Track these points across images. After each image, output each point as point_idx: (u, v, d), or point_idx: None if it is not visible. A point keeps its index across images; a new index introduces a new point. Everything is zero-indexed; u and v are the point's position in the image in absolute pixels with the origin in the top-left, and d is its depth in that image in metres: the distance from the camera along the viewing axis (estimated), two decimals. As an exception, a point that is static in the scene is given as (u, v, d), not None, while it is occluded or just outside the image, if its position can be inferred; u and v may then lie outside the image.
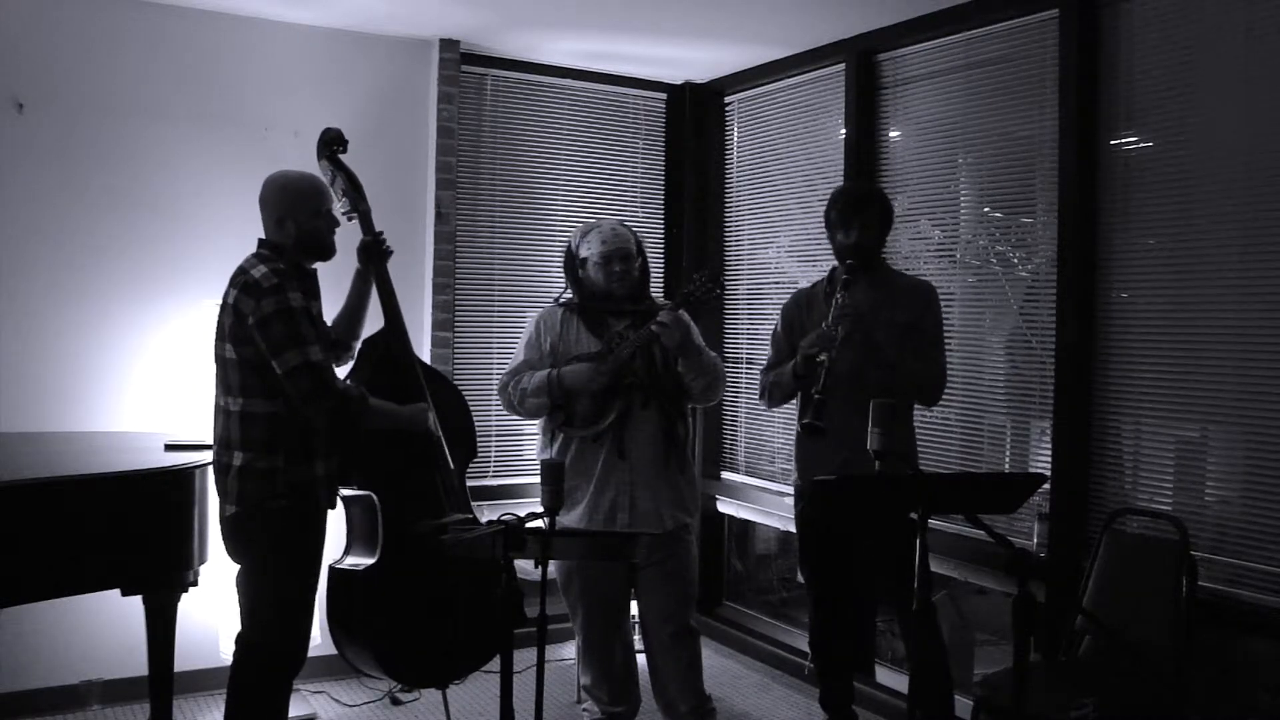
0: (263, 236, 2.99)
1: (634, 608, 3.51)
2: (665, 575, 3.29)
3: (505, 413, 4.66)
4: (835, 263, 3.44)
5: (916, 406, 3.47)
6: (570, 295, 3.39)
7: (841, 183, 4.31)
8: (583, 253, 3.31)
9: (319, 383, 2.81)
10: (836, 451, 3.19)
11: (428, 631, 3.27)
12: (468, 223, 4.71)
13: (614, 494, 3.23)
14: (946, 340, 3.43)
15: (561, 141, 4.93)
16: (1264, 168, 3.01)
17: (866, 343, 3.23)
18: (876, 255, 3.41)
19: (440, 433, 3.32)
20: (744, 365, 4.98)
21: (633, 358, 3.20)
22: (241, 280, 2.84)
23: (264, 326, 2.78)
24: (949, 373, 3.45)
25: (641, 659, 3.51)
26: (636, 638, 3.76)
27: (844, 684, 3.58)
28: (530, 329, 3.42)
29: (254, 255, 2.93)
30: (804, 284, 4.68)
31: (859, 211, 3.33)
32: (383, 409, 3.04)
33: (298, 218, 2.94)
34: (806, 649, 4.48)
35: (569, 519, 3.24)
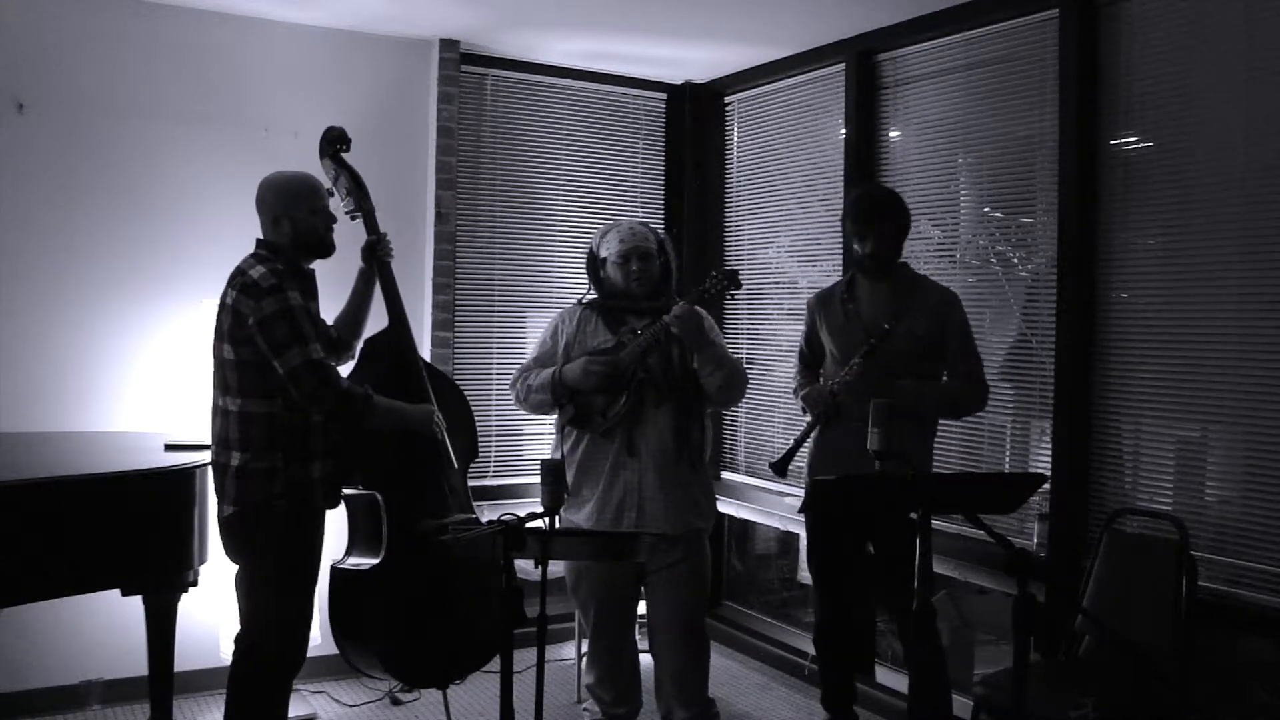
0: (260, 237, 2.99)
1: (641, 608, 3.50)
2: (676, 579, 3.26)
3: (505, 413, 4.71)
4: (841, 263, 3.46)
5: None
6: (593, 295, 3.38)
7: (841, 184, 4.33)
8: (603, 252, 3.30)
9: (322, 380, 2.81)
10: (849, 456, 3.18)
11: (430, 631, 3.27)
12: (468, 223, 4.70)
13: (622, 493, 3.21)
14: None
15: (561, 141, 4.93)
16: (1264, 168, 3.01)
17: (886, 356, 3.24)
18: (895, 262, 3.38)
19: (445, 434, 3.32)
20: (744, 365, 4.97)
21: (644, 355, 3.17)
22: (240, 281, 2.84)
23: (265, 326, 2.78)
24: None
25: (646, 659, 3.50)
26: (641, 639, 3.76)
27: (847, 684, 3.58)
28: (547, 327, 3.43)
29: (251, 256, 2.93)
30: (804, 284, 4.71)
31: (873, 222, 3.31)
32: (388, 407, 3.04)
33: (294, 216, 2.94)
34: (806, 649, 4.48)
35: (578, 517, 3.23)
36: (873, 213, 3.33)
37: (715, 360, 3.20)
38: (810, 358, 3.61)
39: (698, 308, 3.18)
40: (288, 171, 3.04)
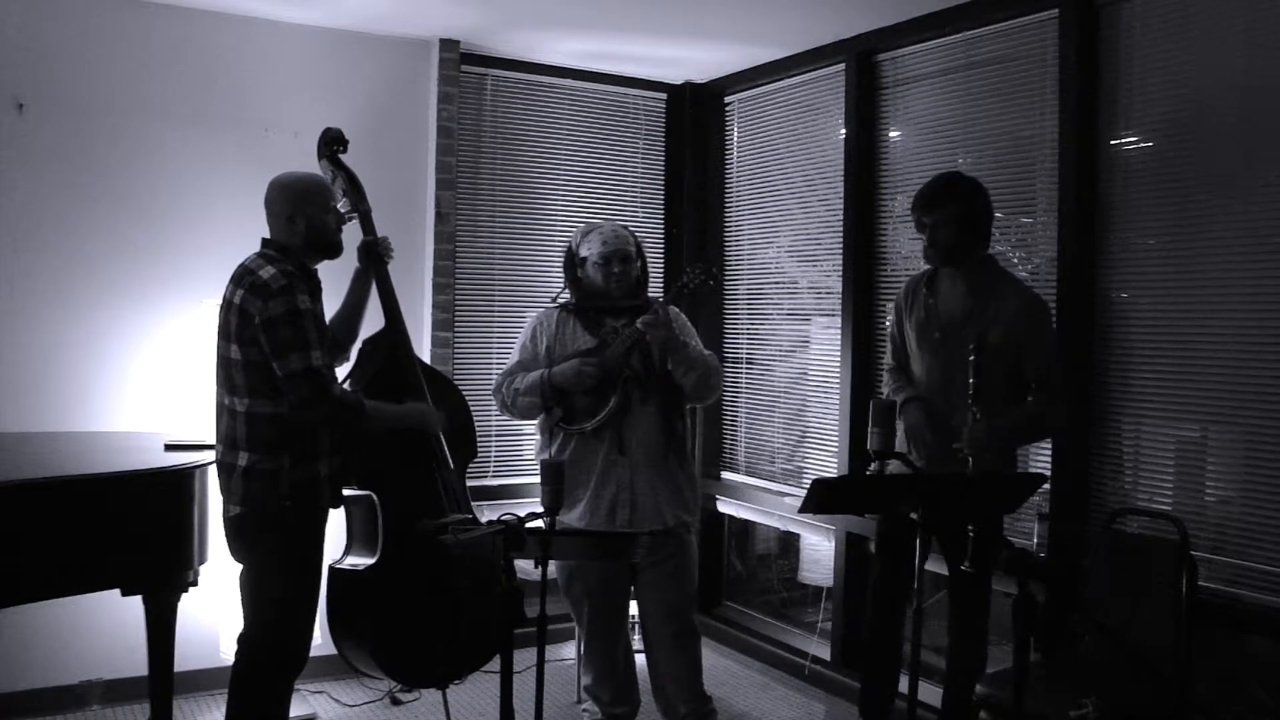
0: (265, 237, 2.98)
1: (633, 608, 3.50)
2: (665, 575, 3.29)
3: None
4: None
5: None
6: (568, 296, 3.40)
7: (840, 184, 4.33)
8: (582, 253, 3.33)
9: (318, 388, 2.80)
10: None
11: (428, 631, 3.27)
12: (468, 223, 4.71)
13: (614, 490, 3.23)
14: None
15: (561, 141, 4.93)
16: (1264, 168, 3.01)
17: (955, 358, 3.06)
18: (962, 254, 3.13)
19: (442, 433, 3.32)
20: (744, 365, 4.98)
21: (628, 354, 3.21)
22: (249, 281, 2.83)
23: (269, 328, 2.77)
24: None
25: (641, 659, 3.51)
26: (636, 638, 3.76)
27: (889, 697, 3.42)
28: (525, 331, 3.43)
29: (259, 255, 2.92)
30: (804, 284, 4.71)
31: (926, 211, 3.13)
32: (380, 412, 3.05)
33: (308, 213, 2.94)
34: (806, 649, 4.48)
35: (569, 517, 3.24)
36: (923, 202, 3.15)
37: (688, 362, 3.24)
38: (904, 356, 3.35)
39: (672, 308, 3.24)
40: (301, 173, 3.05)
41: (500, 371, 3.44)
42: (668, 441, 3.28)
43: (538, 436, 3.44)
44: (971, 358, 2.97)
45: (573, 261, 3.37)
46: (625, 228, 3.41)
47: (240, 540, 2.91)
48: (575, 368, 3.21)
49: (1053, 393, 3.10)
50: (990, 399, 3.00)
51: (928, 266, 3.31)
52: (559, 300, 3.44)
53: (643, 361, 3.25)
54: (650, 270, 3.49)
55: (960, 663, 3.23)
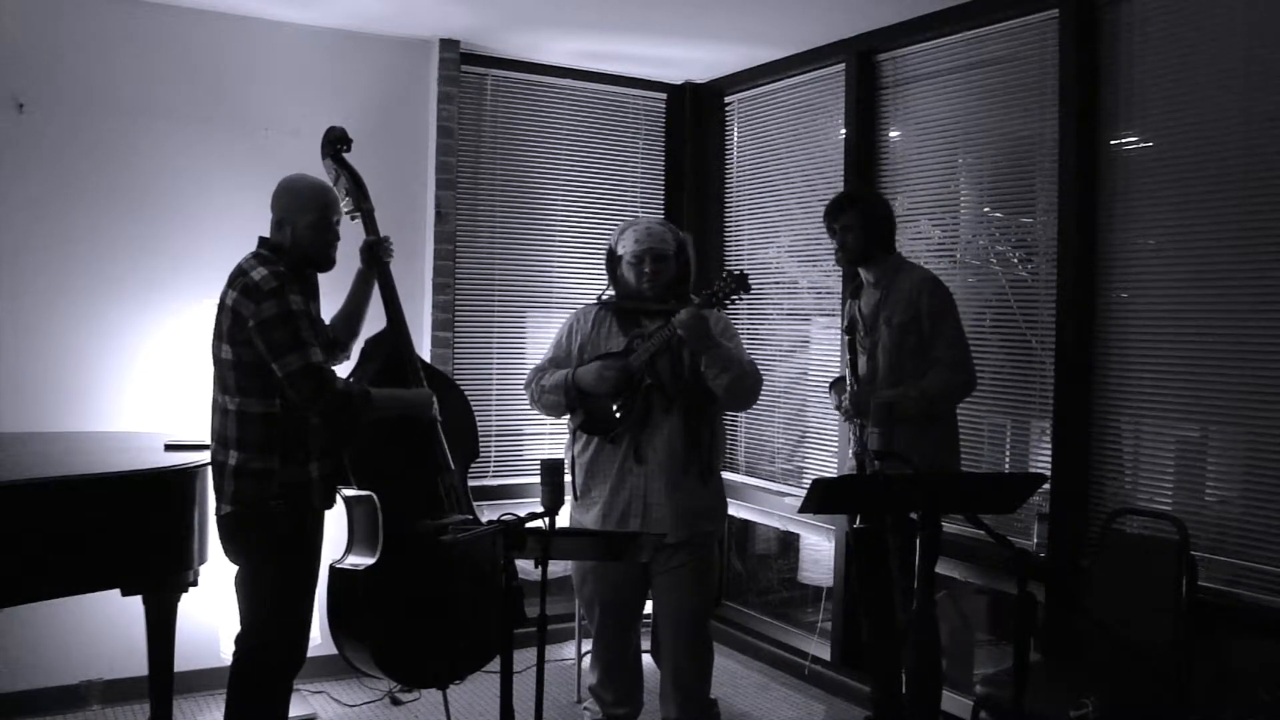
0: (264, 235, 2.98)
1: (648, 607, 3.49)
2: (680, 582, 3.23)
3: (505, 413, 4.71)
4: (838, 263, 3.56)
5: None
6: (611, 294, 3.34)
7: (841, 184, 4.34)
8: (619, 250, 3.25)
9: (320, 385, 2.80)
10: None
11: (428, 631, 3.27)
12: (468, 223, 4.71)
13: (628, 497, 3.17)
14: None
15: (561, 141, 4.93)
16: (1263, 167, 3.01)
17: (876, 351, 3.35)
18: (867, 255, 3.45)
19: (441, 427, 3.32)
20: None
21: (652, 360, 3.12)
22: (241, 282, 2.83)
23: (264, 329, 2.77)
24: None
25: (647, 660, 3.50)
26: (644, 640, 3.75)
27: (899, 694, 3.52)
28: (562, 327, 3.39)
29: (253, 255, 2.92)
30: (804, 284, 4.71)
31: (834, 218, 3.48)
32: (387, 397, 3.06)
33: (295, 224, 2.93)
34: (806, 649, 4.48)
35: (586, 518, 3.22)
36: (831, 210, 3.50)
37: (721, 362, 3.09)
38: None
39: (706, 311, 3.08)
40: (305, 178, 3.02)
41: (533, 367, 3.39)
42: (690, 452, 3.17)
43: (562, 435, 3.42)
44: (845, 337, 3.46)
45: (612, 259, 3.29)
46: (664, 223, 3.34)
47: (232, 540, 2.91)
48: (597, 370, 3.15)
49: (947, 363, 3.32)
50: (903, 376, 3.34)
51: (855, 282, 3.59)
52: (602, 297, 3.36)
53: (670, 368, 3.15)
54: (691, 270, 3.31)
55: (918, 659, 3.26)
